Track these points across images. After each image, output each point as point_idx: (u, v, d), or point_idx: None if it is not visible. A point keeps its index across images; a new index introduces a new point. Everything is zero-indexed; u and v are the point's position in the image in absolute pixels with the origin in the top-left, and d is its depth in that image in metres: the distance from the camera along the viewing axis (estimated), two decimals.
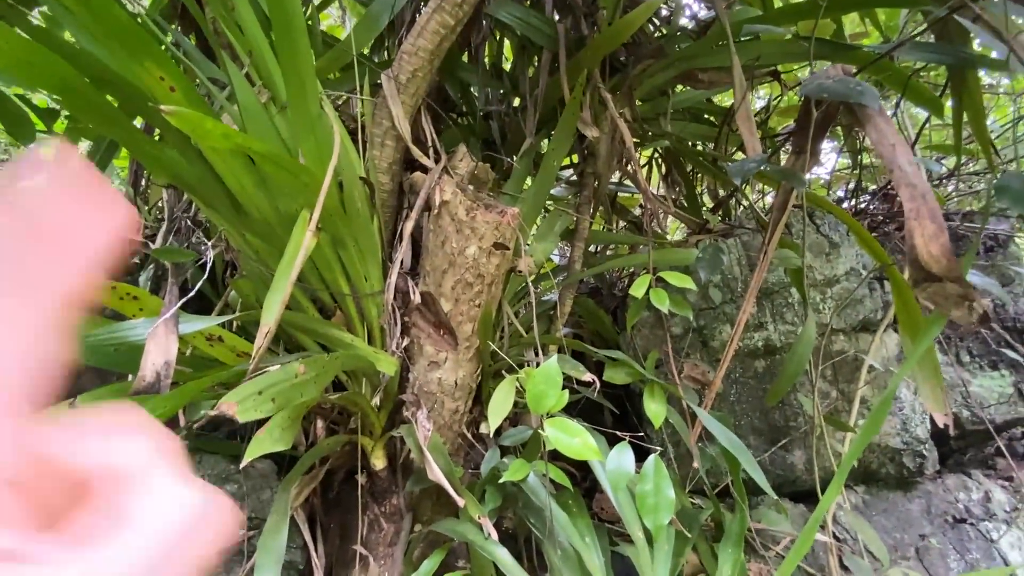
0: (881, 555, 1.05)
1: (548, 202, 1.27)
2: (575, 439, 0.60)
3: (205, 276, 0.72)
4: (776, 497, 0.79)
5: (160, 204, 1.37)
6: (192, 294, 0.70)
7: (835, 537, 1.22)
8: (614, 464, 0.67)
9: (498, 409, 0.73)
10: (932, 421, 1.31)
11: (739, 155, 1.50)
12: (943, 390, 0.80)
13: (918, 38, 1.08)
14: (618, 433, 0.84)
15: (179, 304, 0.60)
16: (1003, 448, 1.14)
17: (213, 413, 0.53)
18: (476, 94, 1.45)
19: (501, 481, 0.76)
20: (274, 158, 0.59)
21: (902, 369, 0.68)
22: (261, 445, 0.55)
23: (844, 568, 1.12)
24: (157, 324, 0.57)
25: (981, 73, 1.11)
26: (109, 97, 0.61)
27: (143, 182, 1.35)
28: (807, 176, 0.86)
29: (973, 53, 1.02)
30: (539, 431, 0.66)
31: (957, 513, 1.34)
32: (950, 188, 1.76)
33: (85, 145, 1.46)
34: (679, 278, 0.87)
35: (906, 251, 0.54)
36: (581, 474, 1.18)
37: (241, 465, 0.56)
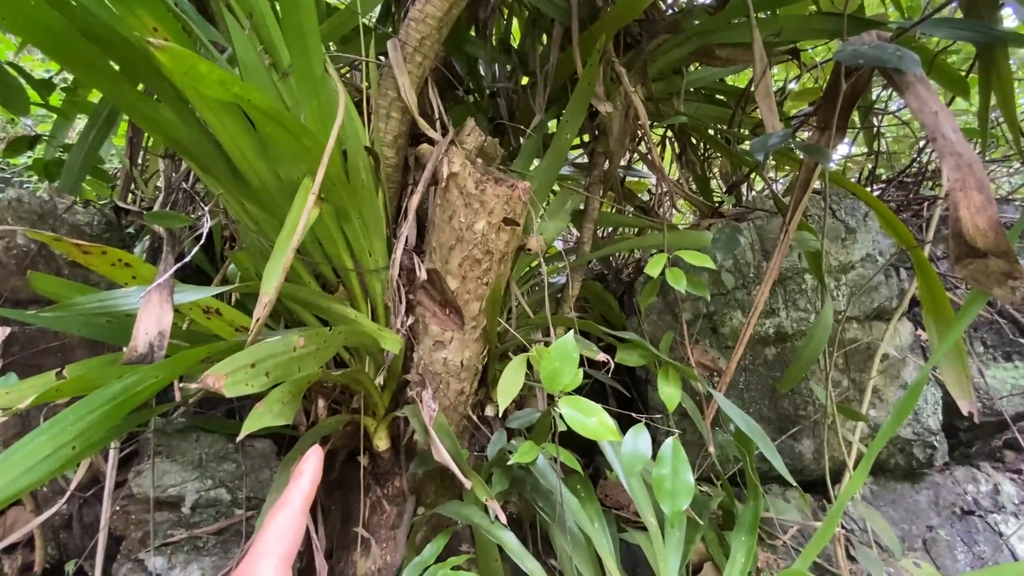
0: (893, 546, 1.03)
1: (555, 184, 1.23)
2: (592, 419, 0.56)
3: (200, 244, 0.68)
4: (794, 483, 0.77)
5: (158, 184, 1.33)
6: (190, 266, 0.67)
7: (842, 527, 1.20)
8: (630, 447, 0.64)
9: (508, 388, 0.70)
10: (943, 411, 1.29)
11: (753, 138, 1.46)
12: (969, 378, 0.77)
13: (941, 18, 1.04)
14: (632, 415, 0.81)
15: (174, 270, 0.57)
16: (1020, 440, 1.12)
17: (195, 385, 0.49)
18: (483, 71, 1.40)
19: (509, 464, 0.73)
20: (274, 115, 0.55)
21: (935, 355, 0.65)
22: (260, 419, 0.52)
23: (851, 558, 1.10)
24: (150, 290, 0.53)
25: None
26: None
27: (140, 155, 1.31)
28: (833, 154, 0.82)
29: (1005, 30, 0.98)
30: (551, 411, 0.63)
31: (965, 505, 1.33)
32: None
33: (81, 123, 1.42)
34: (697, 257, 0.84)
35: (949, 224, 0.51)
36: (584, 460, 1.16)
37: (238, 439, 0.53)
